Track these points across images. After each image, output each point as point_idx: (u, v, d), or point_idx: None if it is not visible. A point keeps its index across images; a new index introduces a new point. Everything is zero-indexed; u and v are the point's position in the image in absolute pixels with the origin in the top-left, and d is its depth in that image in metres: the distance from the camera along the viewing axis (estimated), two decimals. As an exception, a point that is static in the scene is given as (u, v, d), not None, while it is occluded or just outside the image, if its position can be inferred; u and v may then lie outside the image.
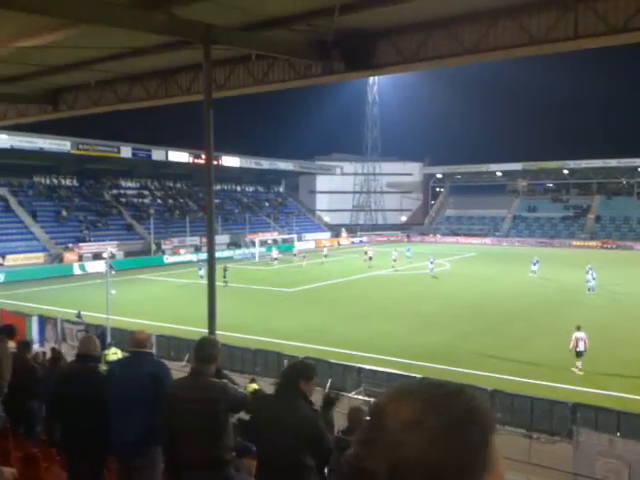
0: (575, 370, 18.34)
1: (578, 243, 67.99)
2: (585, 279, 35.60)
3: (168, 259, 52.96)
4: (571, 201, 79.39)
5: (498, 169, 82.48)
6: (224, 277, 35.43)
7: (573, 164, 76.72)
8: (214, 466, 4.31)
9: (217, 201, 60.90)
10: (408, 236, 78.63)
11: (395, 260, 45.13)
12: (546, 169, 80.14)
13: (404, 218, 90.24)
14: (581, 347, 18.28)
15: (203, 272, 38.30)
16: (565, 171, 78.59)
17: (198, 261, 46.54)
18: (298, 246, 60.29)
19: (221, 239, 56.21)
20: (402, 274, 42.89)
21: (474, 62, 13.19)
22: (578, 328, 18.67)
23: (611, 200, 76.60)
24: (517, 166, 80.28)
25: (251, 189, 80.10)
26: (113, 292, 24.84)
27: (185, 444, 4.33)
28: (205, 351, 4.50)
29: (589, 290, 32.88)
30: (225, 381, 4.55)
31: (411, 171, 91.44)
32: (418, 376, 16.25)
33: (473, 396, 0.92)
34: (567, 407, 14.28)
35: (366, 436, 0.89)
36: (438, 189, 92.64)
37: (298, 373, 4.22)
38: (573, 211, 77.00)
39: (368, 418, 0.93)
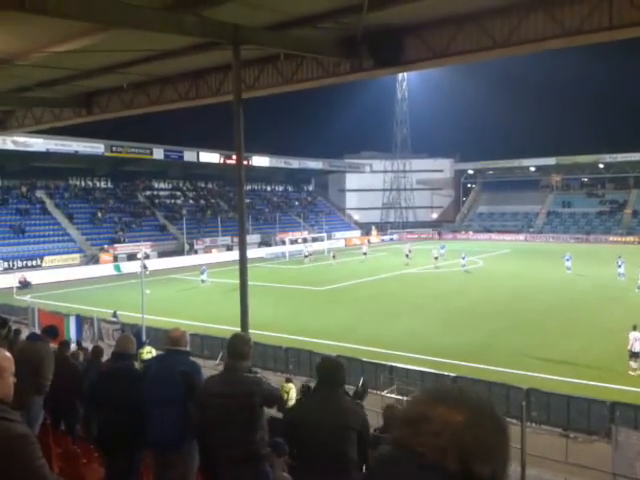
0: (632, 373, 17.53)
1: (615, 239, 66.45)
2: (617, 272, 35.63)
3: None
4: (607, 196, 77.59)
5: (531, 164, 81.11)
6: None
7: (609, 158, 74.97)
8: (249, 461, 4.31)
9: (248, 201, 61.27)
10: (439, 233, 77.98)
11: (437, 258, 44.84)
12: (581, 163, 78.47)
13: (435, 215, 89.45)
14: (637, 347, 17.51)
15: (205, 276, 37.90)
16: (600, 165, 76.85)
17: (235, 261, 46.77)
18: (328, 245, 60.21)
19: (252, 238, 56.60)
20: (435, 272, 42.54)
21: (505, 56, 12.97)
22: (634, 327, 17.83)
23: (648, 194, 74.73)
24: (550, 161, 78.81)
25: (281, 188, 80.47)
26: (148, 292, 25.26)
27: (220, 439, 4.35)
28: (237, 348, 4.52)
29: (638, 288, 31.74)
30: (259, 375, 4.59)
31: (442, 167, 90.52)
32: (451, 374, 16.15)
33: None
34: (605, 406, 13.96)
35: (433, 431, 1.18)
36: (470, 185, 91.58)
37: (339, 367, 4.26)
38: (609, 206, 75.25)
39: (421, 417, 1.21)
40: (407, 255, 47.70)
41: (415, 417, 1.22)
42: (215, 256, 54.41)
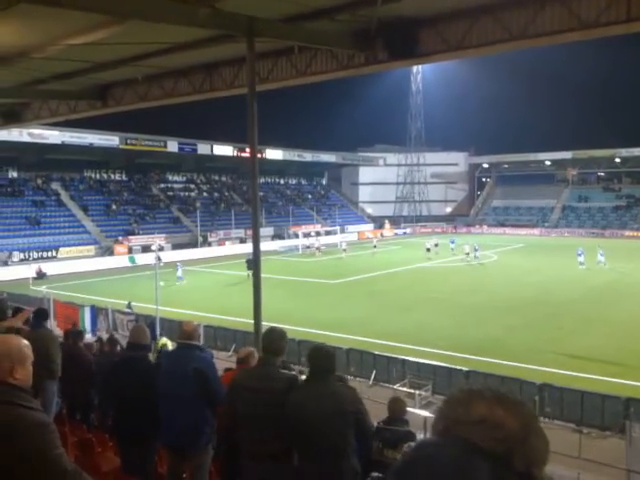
0: None
1: (631, 234, 65.79)
2: (597, 260, 38.50)
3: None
4: (623, 190, 76.76)
5: (547, 158, 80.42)
6: (248, 269, 30.56)
7: (625, 152, 74.14)
8: (278, 457, 4.26)
9: (261, 194, 61.43)
10: (455, 227, 77.65)
11: (468, 254, 44.26)
12: (597, 157, 77.68)
13: (449, 209, 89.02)
14: None
15: (181, 272, 36.12)
16: (617, 159, 76.00)
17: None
18: (340, 238, 60.10)
19: (265, 231, 56.73)
20: (449, 266, 42.39)
21: (521, 48, 12.83)
22: None
23: (666, 189, 73.82)
24: (566, 155, 78.06)
25: (294, 181, 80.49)
26: (162, 284, 25.42)
27: (251, 434, 4.32)
28: (273, 342, 4.48)
29: None
30: (294, 373, 4.57)
31: (456, 161, 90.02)
32: (464, 369, 16.11)
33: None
34: (619, 401, 13.88)
35: (497, 437, 1.25)
36: (484, 179, 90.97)
37: (331, 355, 4.30)
38: (626, 201, 74.47)
39: (483, 419, 1.27)
40: (429, 249, 47.11)
41: (476, 419, 1.26)
42: (228, 248, 54.62)
